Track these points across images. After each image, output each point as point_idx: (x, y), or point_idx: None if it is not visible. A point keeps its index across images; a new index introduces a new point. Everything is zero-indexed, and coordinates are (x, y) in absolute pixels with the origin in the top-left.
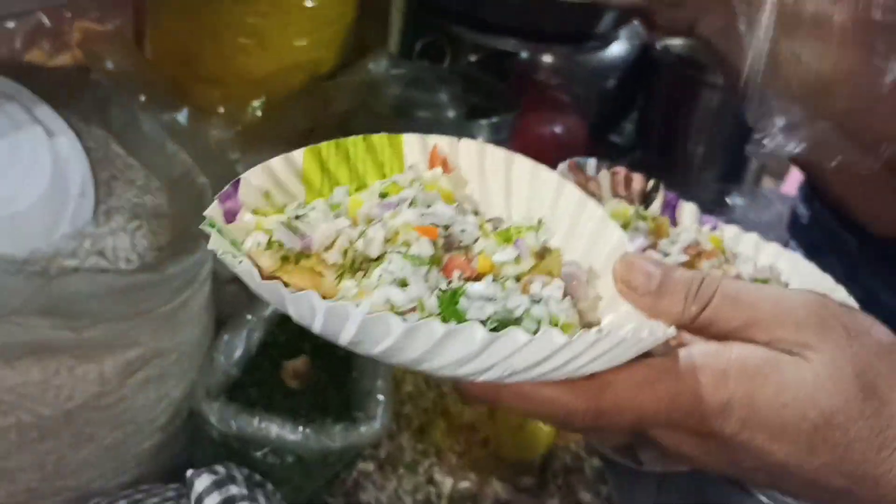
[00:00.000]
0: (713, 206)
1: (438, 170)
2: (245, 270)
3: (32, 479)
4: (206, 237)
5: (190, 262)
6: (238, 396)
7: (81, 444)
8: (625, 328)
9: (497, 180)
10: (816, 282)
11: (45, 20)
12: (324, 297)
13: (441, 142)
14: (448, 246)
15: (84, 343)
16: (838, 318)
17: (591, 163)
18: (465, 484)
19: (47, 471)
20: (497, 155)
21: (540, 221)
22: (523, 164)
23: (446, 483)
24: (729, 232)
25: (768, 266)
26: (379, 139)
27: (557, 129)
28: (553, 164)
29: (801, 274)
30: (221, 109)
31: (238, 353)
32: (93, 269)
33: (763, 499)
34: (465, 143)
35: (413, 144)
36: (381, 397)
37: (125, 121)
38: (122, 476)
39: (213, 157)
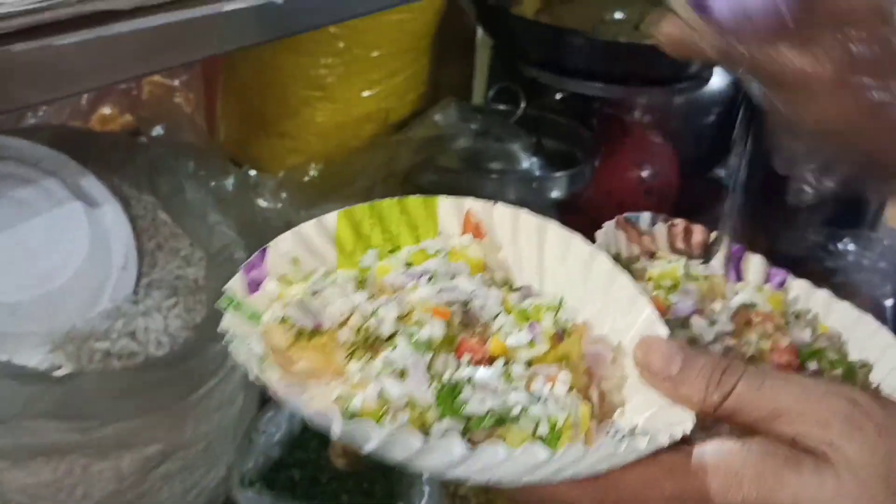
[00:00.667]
0: (822, 252)
1: (468, 237)
2: (245, 360)
3: None
4: None
5: (212, 353)
6: (279, 478)
7: None
8: (613, 441)
9: (530, 247)
10: (882, 348)
11: None
12: (333, 377)
13: (476, 205)
14: (466, 321)
15: (96, 443)
16: (870, 415)
17: (645, 217)
18: None
19: None
20: (531, 222)
21: (561, 302)
22: (556, 232)
23: None
24: (797, 288)
25: (828, 335)
26: (414, 202)
27: (645, 173)
28: (640, 208)
29: (869, 341)
30: (289, 160)
31: (281, 431)
32: (101, 369)
33: None
34: (500, 207)
35: (448, 207)
36: (426, 489)
37: (172, 188)
38: None
39: (258, 224)
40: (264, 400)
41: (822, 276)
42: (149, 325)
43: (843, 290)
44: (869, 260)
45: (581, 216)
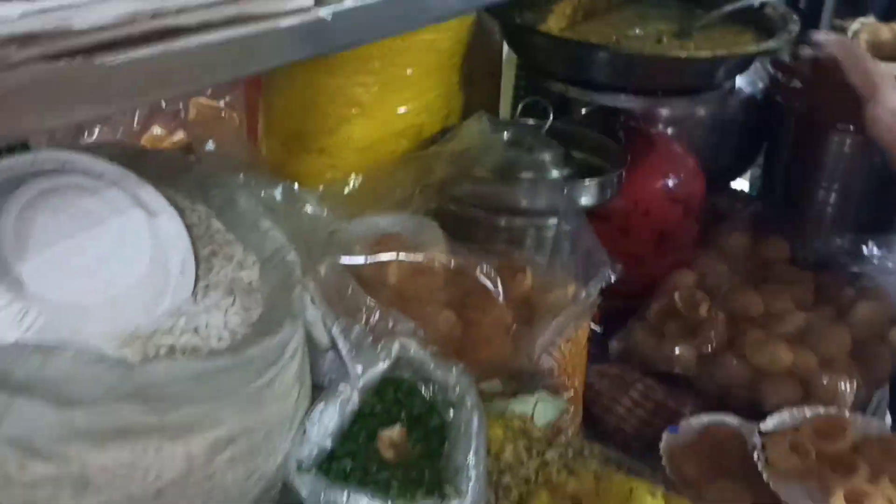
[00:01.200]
0: (847, 256)
1: None
2: None
3: None
4: (292, 316)
5: (272, 343)
6: (332, 468)
7: None
8: None
9: None
10: None
11: (162, 101)
12: None
13: None
14: None
15: (169, 425)
16: None
17: None
18: None
19: None
20: None
21: None
22: None
23: None
24: None
25: None
26: None
27: (671, 183)
28: (667, 216)
29: None
30: (328, 175)
31: (332, 423)
32: (173, 357)
33: None
34: None
35: None
36: (472, 474)
37: (224, 198)
38: None
39: (304, 232)
40: (319, 390)
41: (847, 280)
42: (210, 321)
43: (870, 294)
44: (894, 263)
45: (610, 224)
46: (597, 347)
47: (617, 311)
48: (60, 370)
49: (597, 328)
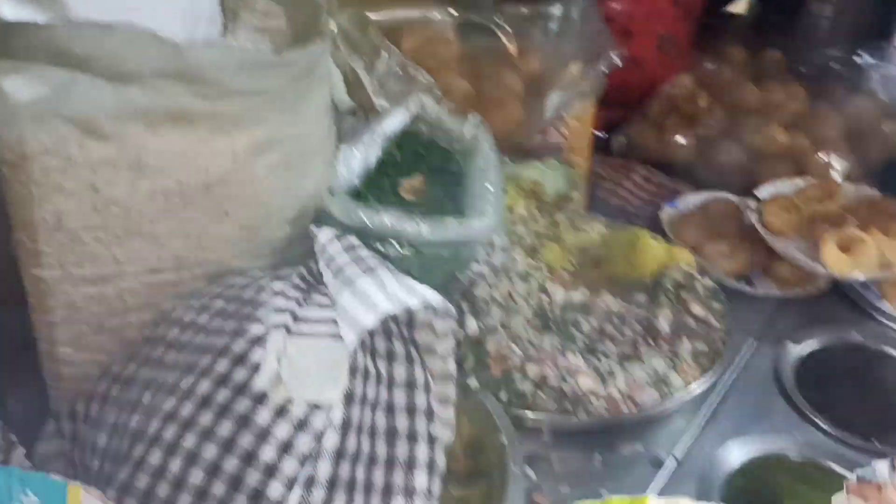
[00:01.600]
0: (841, 65)
1: None
2: None
3: (178, 246)
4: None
5: (304, 53)
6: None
7: (220, 218)
8: None
9: None
10: None
11: None
12: None
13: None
14: None
15: (217, 114)
16: None
17: (881, 467)
18: (577, 296)
19: (191, 240)
20: None
21: None
22: None
23: (558, 293)
24: None
25: None
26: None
27: None
28: (668, 17)
29: None
30: None
31: (358, 166)
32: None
33: (882, 319)
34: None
35: None
36: (492, 196)
37: None
38: (257, 261)
39: None
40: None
41: (841, 88)
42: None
43: (864, 100)
44: (886, 69)
45: (612, 27)
46: (600, 152)
47: (619, 118)
48: (117, 46)
49: (600, 134)
